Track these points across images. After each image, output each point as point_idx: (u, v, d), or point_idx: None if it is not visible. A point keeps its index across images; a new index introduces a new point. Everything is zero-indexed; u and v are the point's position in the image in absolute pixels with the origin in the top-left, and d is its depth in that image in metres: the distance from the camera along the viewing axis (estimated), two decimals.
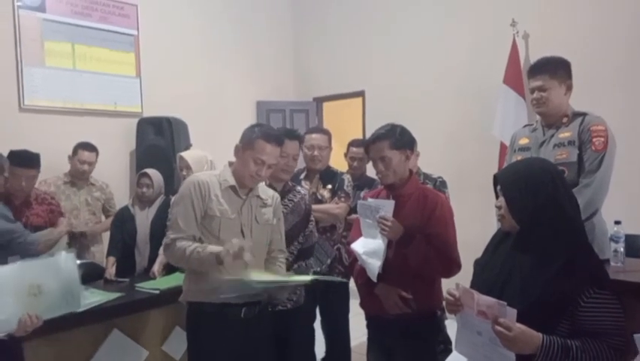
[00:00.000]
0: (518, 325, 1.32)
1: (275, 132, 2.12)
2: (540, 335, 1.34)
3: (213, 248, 1.93)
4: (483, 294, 1.40)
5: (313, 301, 2.76)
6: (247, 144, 2.05)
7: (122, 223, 3.12)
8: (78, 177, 3.69)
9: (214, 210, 2.02)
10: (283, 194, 2.47)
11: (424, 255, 2.07)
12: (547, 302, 1.37)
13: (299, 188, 2.61)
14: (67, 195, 3.65)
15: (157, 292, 2.54)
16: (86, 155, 3.66)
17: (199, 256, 1.93)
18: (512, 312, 1.32)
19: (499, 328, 1.32)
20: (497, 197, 1.60)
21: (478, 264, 1.69)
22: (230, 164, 2.14)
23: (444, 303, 1.53)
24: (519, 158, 2.43)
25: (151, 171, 3.16)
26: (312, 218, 2.57)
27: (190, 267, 2.05)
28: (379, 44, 5.27)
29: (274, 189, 2.43)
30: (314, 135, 2.99)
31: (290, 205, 2.48)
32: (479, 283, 1.60)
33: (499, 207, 1.57)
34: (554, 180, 1.51)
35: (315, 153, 2.94)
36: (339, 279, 2.58)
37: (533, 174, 1.51)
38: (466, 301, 1.43)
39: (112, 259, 2.98)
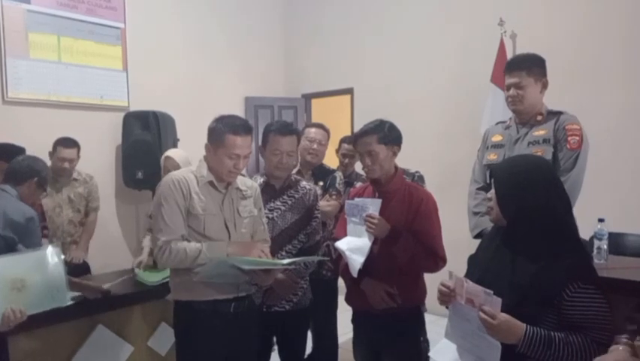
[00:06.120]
0: (503, 314, 1.36)
1: (240, 122, 2.06)
2: (524, 325, 1.37)
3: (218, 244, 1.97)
4: None
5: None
6: (216, 141, 2.00)
7: None
8: (59, 174, 3.57)
9: (196, 208, 1.98)
10: (282, 190, 2.42)
11: (411, 251, 2.08)
12: (533, 296, 1.40)
13: (304, 183, 2.50)
14: (49, 192, 3.52)
15: (156, 283, 2.53)
16: (65, 152, 3.53)
17: (209, 250, 1.94)
18: (497, 301, 1.35)
19: (483, 315, 1.36)
20: (491, 188, 1.63)
21: (471, 259, 1.73)
22: (206, 158, 2.09)
23: (438, 294, 1.55)
24: (492, 155, 2.46)
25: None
26: (316, 215, 2.48)
27: (193, 265, 1.94)
28: (369, 42, 5.27)
29: (272, 186, 2.40)
30: (314, 130, 3.02)
31: (289, 202, 2.41)
32: (470, 277, 1.62)
33: (489, 199, 1.61)
34: (547, 179, 1.53)
35: (315, 146, 2.94)
36: (318, 258, 2.43)
37: (526, 172, 1.53)
38: (458, 290, 1.47)
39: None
